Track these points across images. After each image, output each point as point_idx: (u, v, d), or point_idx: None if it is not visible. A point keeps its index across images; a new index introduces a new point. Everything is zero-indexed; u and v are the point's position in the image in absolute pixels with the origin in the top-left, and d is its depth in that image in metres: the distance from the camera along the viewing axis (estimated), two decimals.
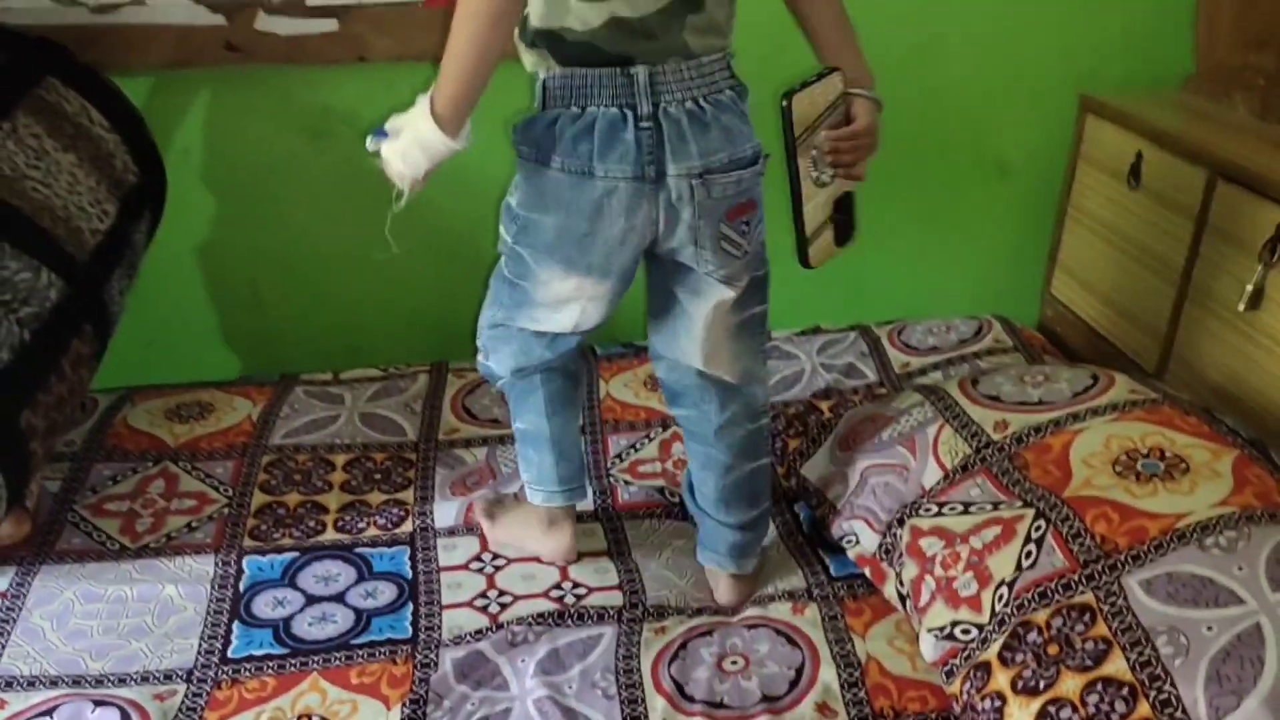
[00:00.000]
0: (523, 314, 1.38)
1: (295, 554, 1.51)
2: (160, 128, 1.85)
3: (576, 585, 1.45)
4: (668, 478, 1.67)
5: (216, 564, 1.49)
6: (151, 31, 1.76)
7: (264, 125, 1.95)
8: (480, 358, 1.50)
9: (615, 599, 1.42)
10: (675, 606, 1.41)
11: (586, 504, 1.60)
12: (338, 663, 1.33)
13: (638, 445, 1.75)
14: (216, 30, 1.81)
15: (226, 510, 1.60)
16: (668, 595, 1.43)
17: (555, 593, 1.44)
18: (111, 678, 1.31)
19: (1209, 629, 1.11)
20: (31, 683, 1.30)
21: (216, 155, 1.94)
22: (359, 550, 1.52)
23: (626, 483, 1.66)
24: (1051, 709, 1.11)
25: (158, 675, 1.32)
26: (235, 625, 1.39)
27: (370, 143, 1.30)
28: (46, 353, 1.48)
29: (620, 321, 2.13)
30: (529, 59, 1.28)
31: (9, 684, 1.30)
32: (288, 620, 1.40)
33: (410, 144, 1.24)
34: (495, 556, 1.51)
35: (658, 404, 1.85)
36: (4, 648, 1.35)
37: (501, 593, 1.44)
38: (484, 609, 1.41)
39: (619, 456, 1.72)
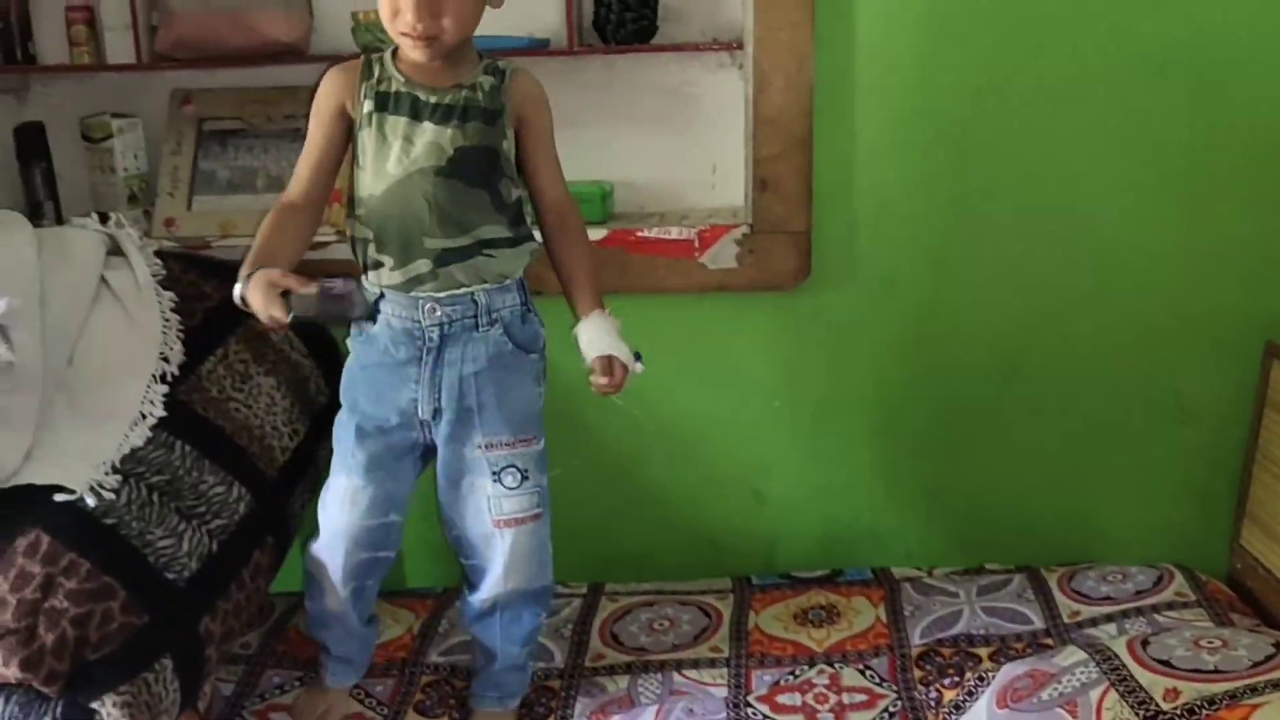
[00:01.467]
0: None
1: None
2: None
3: None
4: (806, 714, 1.63)
5: None
6: (344, 268, 1.95)
7: None
8: None
9: None
10: None
11: None
12: None
13: (781, 681, 1.72)
14: None
15: None
16: None
17: None
18: None
19: None
20: None
21: None
22: None
23: (765, 718, 1.62)
24: None
25: None
26: None
27: (639, 367, 1.55)
28: (230, 563, 1.61)
29: (783, 550, 2.15)
30: None
31: None
32: None
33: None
34: None
35: (807, 639, 1.82)
36: None
37: None
38: None
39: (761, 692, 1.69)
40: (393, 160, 1.45)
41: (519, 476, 1.58)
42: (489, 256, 1.50)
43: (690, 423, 2.11)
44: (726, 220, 2.01)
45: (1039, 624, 1.82)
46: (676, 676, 1.74)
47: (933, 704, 1.62)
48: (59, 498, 1.48)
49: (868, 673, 1.72)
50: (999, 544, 2.10)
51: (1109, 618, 1.81)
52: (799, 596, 1.95)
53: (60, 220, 2.02)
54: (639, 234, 1.97)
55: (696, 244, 1.97)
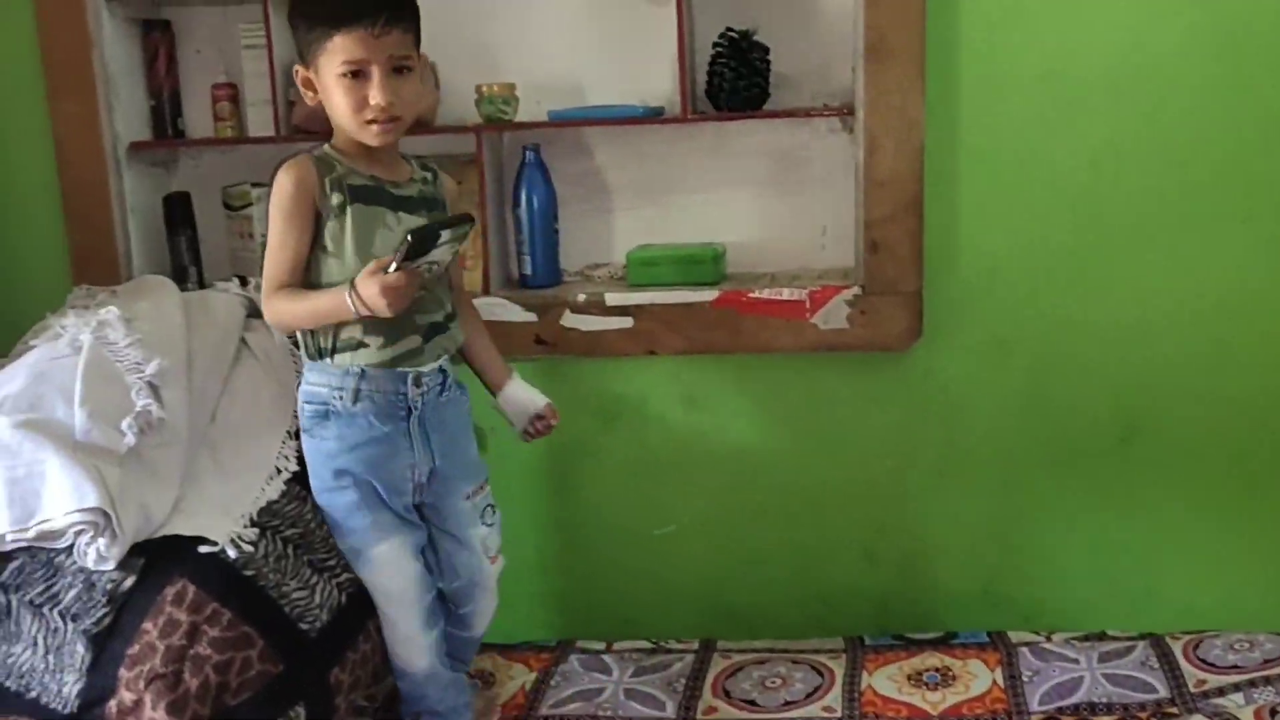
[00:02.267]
0: None
1: None
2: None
3: None
4: None
5: None
6: None
7: (563, 409, 2.13)
8: None
9: None
10: None
11: None
12: None
13: None
14: (529, 326, 2.05)
15: None
16: None
17: None
18: None
19: None
20: None
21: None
22: None
23: None
24: None
25: None
26: None
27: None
28: (358, 615, 1.67)
29: (895, 610, 2.14)
30: None
31: None
32: None
33: None
34: None
35: (921, 701, 1.81)
36: None
37: None
38: None
39: None
40: (378, 246, 1.57)
41: (493, 512, 1.77)
42: (450, 330, 1.68)
43: (803, 482, 2.12)
44: (837, 281, 2.03)
45: (1164, 693, 1.77)
46: None
47: None
48: (203, 549, 1.57)
49: None
50: (1120, 609, 2.06)
51: (1236, 687, 1.75)
52: (913, 658, 1.93)
53: (203, 284, 2.14)
54: (750, 295, 2.01)
55: (808, 304, 2.00)
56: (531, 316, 2.05)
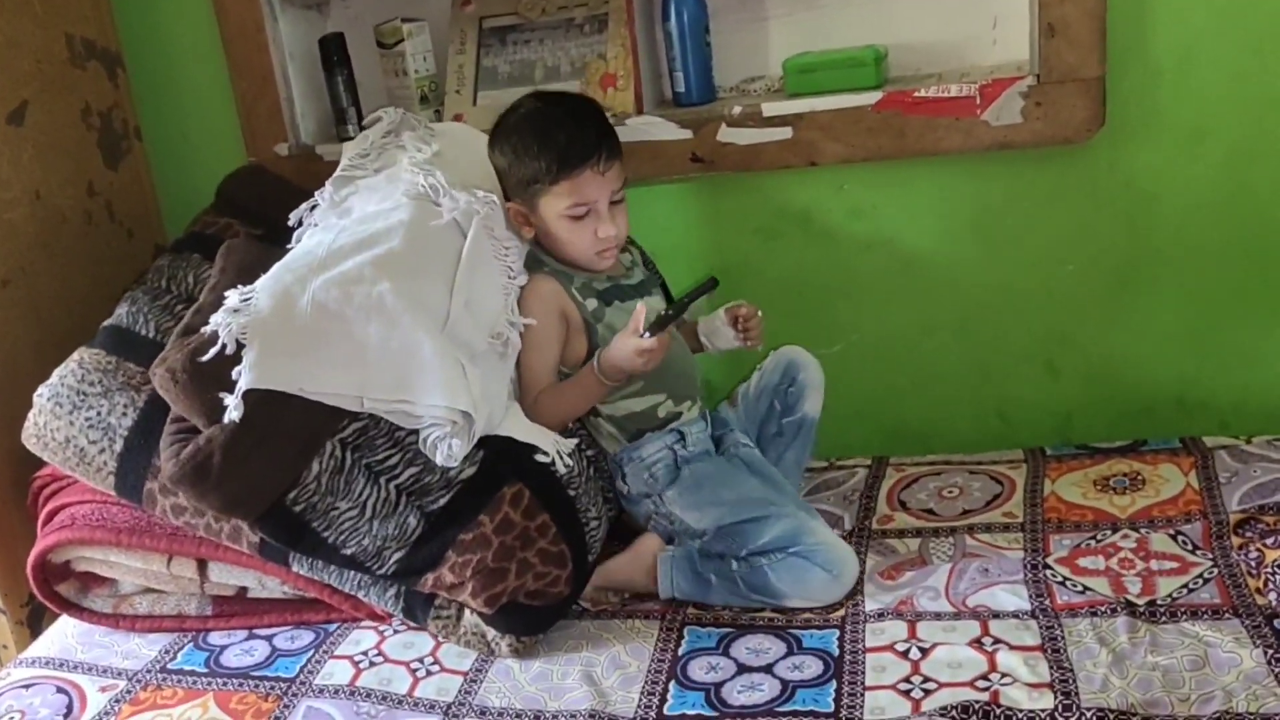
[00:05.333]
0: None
1: (731, 629, 1.58)
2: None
3: (1004, 676, 1.39)
4: (1111, 578, 1.56)
5: (660, 629, 1.60)
6: (630, 149, 1.99)
7: (723, 229, 2.11)
8: None
9: (1046, 699, 1.33)
10: (1116, 710, 1.30)
11: (1022, 602, 1.53)
12: None
13: (1082, 545, 1.65)
14: (684, 144, 2.00)
15: None
16: (1106, 698, 1.33)
17: (982, 683, 1.38)
18: (564, 715, 1.46)
19: None
20: (501, 713, 1.47)
21: (681, 258, 2.12)
22: (792, 630, 1.56)
23: (1065, 580, 1.56)
24: None
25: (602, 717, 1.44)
26: (672, 685, 1.48)
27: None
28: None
29: (1078, 423, 2.05)
30: None
31: (482, 713, 1.48)
32: (719, 685, 1.47)
33: None
34: (923, 642, 1.48)
35: (1109, 505, 1.74)
36: (481, 683, 1.54)
37: (926, 679, 1.41)
38: (907, 693, 1.39)
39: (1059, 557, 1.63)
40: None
41: None
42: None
43: (977, 292, 2.03)
44: (1010, 73, 1.90)
45: None
46: (969, 539, 1.71)
47: (1253, 566, 1.51)
48: (539, 458, 1.61)
49: (1179, 538, 1.62)
50: None
51: None
52: (1098, 465, 1.85)
53: (361, 118, 2.15)
54: (915, 94, 1.90)
55: (978, 100, 1.88)
56: (686, 133, 2.00)
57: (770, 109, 1.96)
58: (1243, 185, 1.88)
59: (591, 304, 1.71)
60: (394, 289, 1.56)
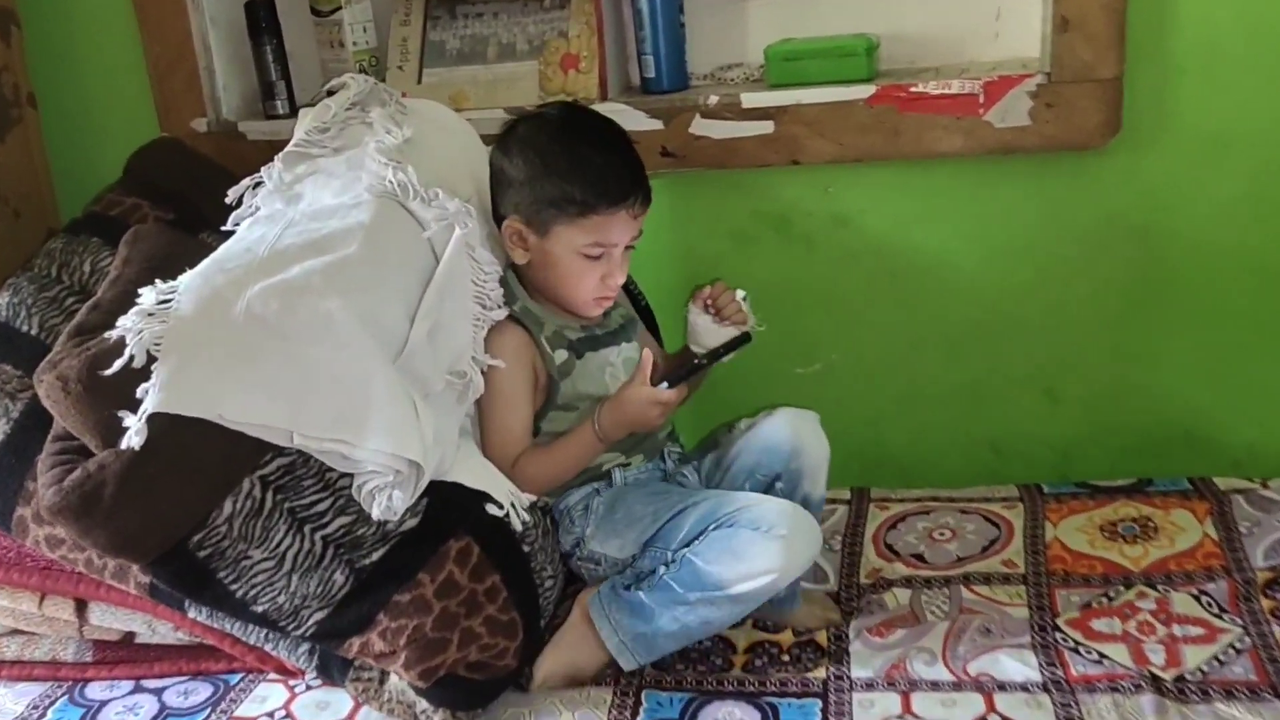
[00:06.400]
0: None
1: (695, 694, 1.38)
2: None
3: None
4: (1131, 645, 1.37)
5: (615, 694, 1.39)
6: None
7: (693, 231, 1.91)
8: None
9: None
10: None
11: (1031, 671, 1.33)
12: None
13: (1093, 604, 1.46)
14: (653, 135, 1.79)
15: None
16: None
17: None
18: None
19: None
20: None
21: (644, 261, 1.87)
22: (767, 699, 1.36)
23: (1078, 646, 1.37)
24: None
25: None
26: None
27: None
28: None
29: (1078, 458, 1.87)
30: None
31: None
32: None
33: None
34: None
35: (1119, 556, 1.56)
36: None
37: None
38: None
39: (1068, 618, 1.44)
40: (611, 389, 1.51)
41: None
42: None
43: (972, 310, 1.84)
44: (1015, 70, 1.71)
45: None
46: (965, 592, 1.51)
47: None
48: (491, 509, 1.39)
49: (1204, 599, 1.44)
50: None
51: None
52: (1102, 507, 1.67)
53: (293, 101, 1.93)
54: (912, 89, 1.70)
55: (982, 98, 1.69)
56: (656, 124, 1.79)
57: (750, 100, 1.76)
58: (1269, 199, 1.70)
59: (560, 356, 1.50)
60: (345, 305, 1.32)
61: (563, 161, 1.43)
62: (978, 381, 1.88)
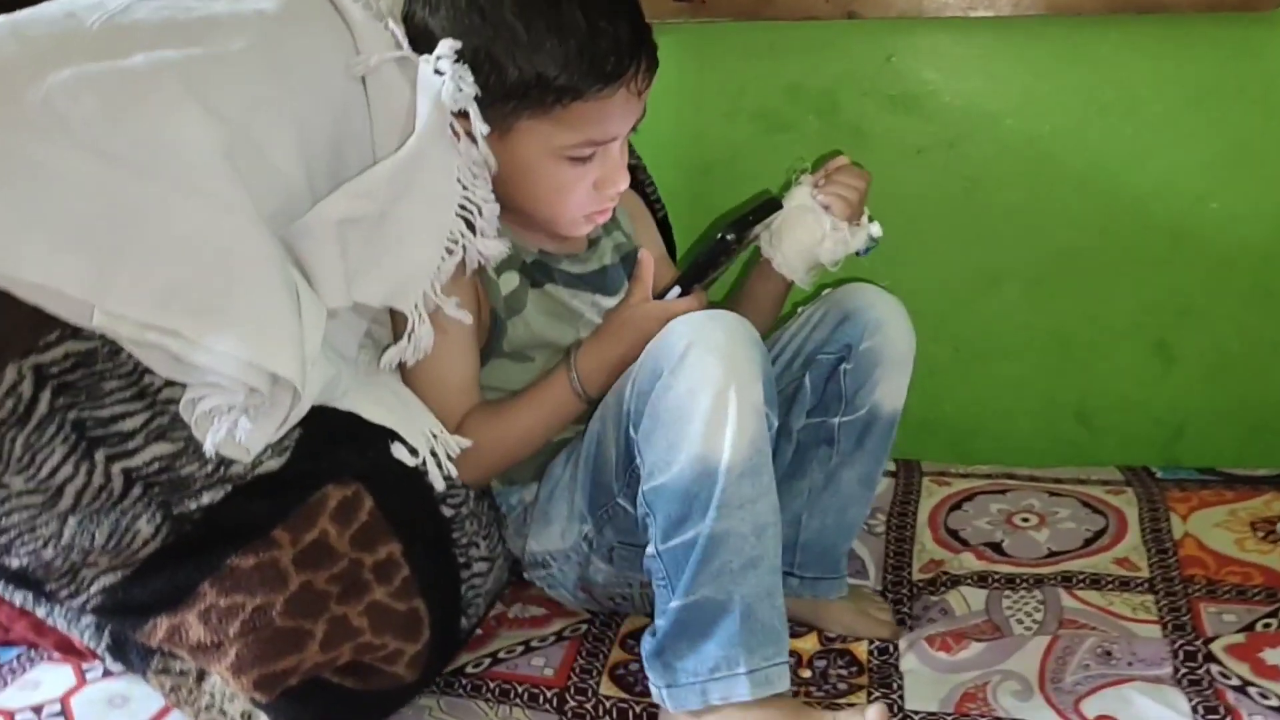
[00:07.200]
0: None
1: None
2: None
3: None
4: None
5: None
6: None
7: (707, 111, 1.48)
8: None
9: None
10: None
11: (1180, 710, 0.89)
12: None
13: (1259, 625, 1.02)
14: None
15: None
16: None
17: None
18: None
19: None
20: None
21: (642, 152, 1.46)
22: None
23: (1246, 686, 0.93)
24: None
25: None
26: None
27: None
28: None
29: (1192, 435, 1.43)
30: None
31: None
32: None
33: None
34: None
35: (1277, 562, 1.11)
36: None
37: None
38: None
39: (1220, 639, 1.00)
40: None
41: None
42: None
43: (1070, 233, 1.42)
44: None
45: None
46: (1066, 597, 1.07)
47: None
48: (398, 453, 0.95)
49: None
50: None
51: None
52: (1247, 500, 1.24)
53: None
54: None
55: None
56: None
57: None
58: None
59: (510, 282, 1.06)
60: (209, 127, 0.85)
61: (539, 24, 0.94)
62: (1067, 327, 1.45)
